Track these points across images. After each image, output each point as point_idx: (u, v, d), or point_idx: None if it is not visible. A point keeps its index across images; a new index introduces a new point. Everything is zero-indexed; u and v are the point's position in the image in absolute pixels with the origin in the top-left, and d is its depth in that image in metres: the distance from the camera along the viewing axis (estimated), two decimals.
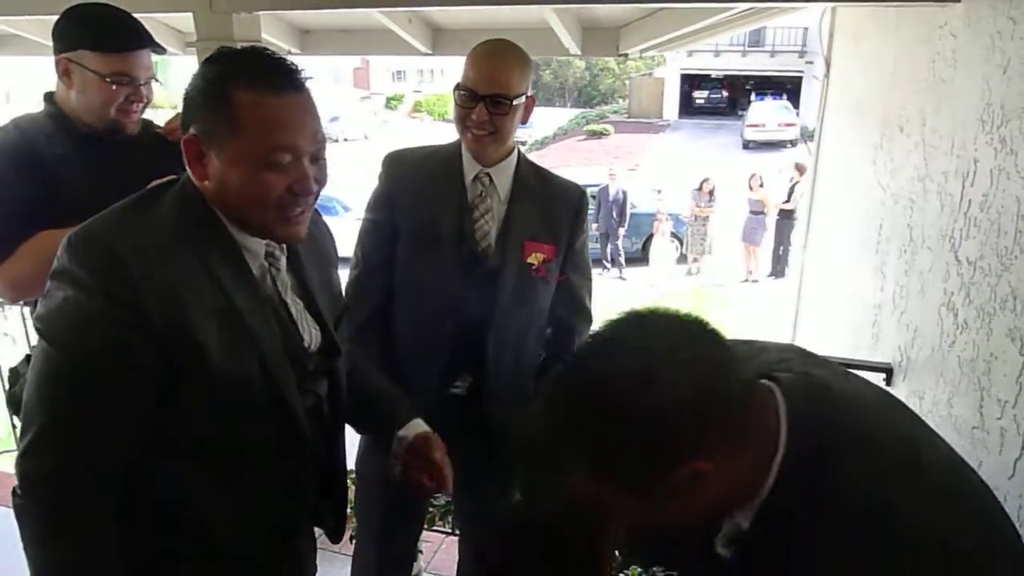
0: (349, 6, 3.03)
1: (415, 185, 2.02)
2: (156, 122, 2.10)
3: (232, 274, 1.27)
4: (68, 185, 1.81)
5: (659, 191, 15.22)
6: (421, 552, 2.89)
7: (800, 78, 28.46)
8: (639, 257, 13.55)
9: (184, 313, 1.19)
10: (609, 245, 13.25)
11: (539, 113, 22.69)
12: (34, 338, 1.23)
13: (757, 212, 12.60)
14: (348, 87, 37.47)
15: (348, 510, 1.74)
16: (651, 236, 13.29)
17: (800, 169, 11.92)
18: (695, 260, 13.26)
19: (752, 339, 1.22)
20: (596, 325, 2.28)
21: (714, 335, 0.97)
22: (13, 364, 2.08)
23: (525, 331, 2.09)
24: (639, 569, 3.00)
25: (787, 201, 12.26)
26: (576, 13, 3.48)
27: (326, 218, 1.62)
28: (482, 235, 2.01)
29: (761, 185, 12.73)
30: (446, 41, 3.90)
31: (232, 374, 1.25)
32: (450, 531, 3.25)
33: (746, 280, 12.69)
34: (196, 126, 1.23)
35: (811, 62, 25.46)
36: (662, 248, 13.04)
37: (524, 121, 1.98)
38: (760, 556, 0.99)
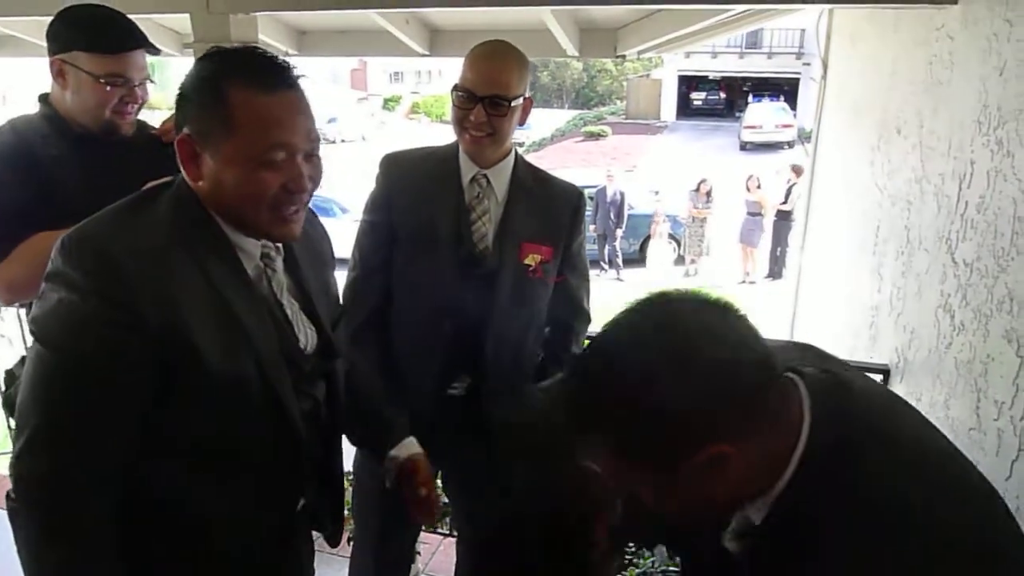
0: (346, 7, 3.03)
1: (413, 187, 2.02)
2: (152, 123, 2.09)
3: (227, 275, 1.27)
4: (63, 186, 1.81)
5: (656, 192, 15.22)
6: (419, 554, 2.88)
7: (797, 80, 28.45)
8: (636, 258, 13.55)
9: (179, 314, 1.19)
10: (607, 246, 13.25)
11: (537, 114, 22.64)
12: (30, 340, 1.23)
13: (754, 213, 12.61)
14: (346, 88, 37.48)
15: (346, 512, 1.74)
16: (648, 237, 13.30)
17: (797, 171, 11.93)
18: (692, 261, 13.26)
19: (770, 337, 1.23)
20: (595, 325, 2.29)
21: (740, 319, 0.96)
22: (9, 366, 2.08)
23: (523, 332, 2.09)
24: (639, 570, 3.00)
25: (784, 202, 12.26)
26: (574, 14, 3.48)
27: (323, 219, 1.62)
28: (479, 236, 2.01)
29: (758, 186, 12.74)
30: (443, 42, 3.90)
31: (227, 375, 1.24)
32: (448, 533, 3.25)
33: (743, 281, 12.68)
34: (190, 126, 1.23)
35: (808, 64, 25.43)
36: (659, 249, 13.05)
37: (522, 122, 1.98)
38: (771, 551, 0.99)
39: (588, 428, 0.98)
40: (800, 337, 4.49)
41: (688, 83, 32.42)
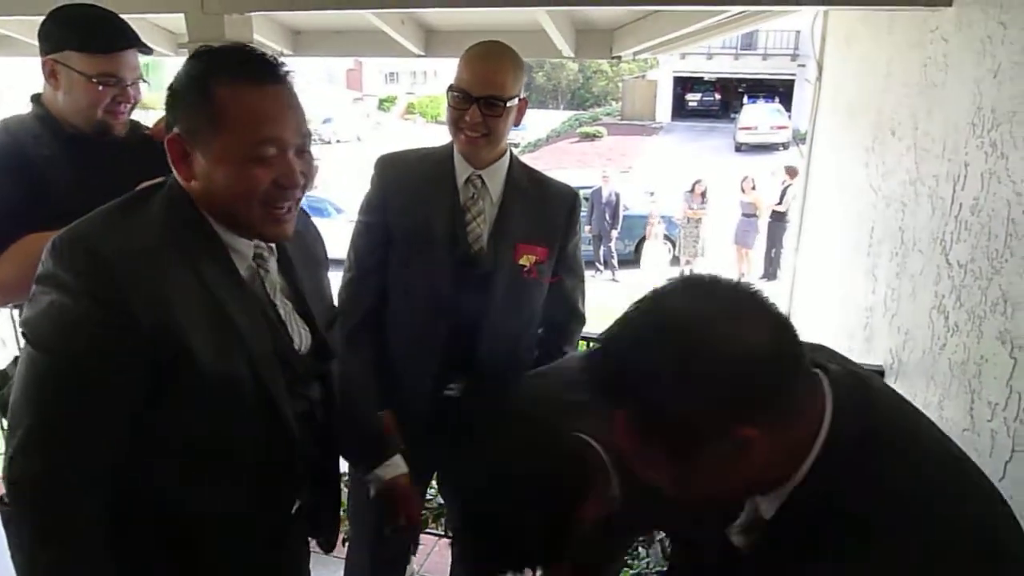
0: (341, 7, 3.02)
1: (408, 188, 2.02)
2: (146, 123, 2.09)
3: (220, 275, 1.26)
4: (56, 187, 1.80)
5: (652, 193, 15.24)
6: (414, 554, 2.88)
7: (792, 81, 28.54)
8: (632, 259, 13.56)
9: (171, 315, 1.18)
10: (602, 247, 13.26)
11: (532, 115, 22.73)
12: (23, 341, 1.23)
13: (749, 215, 12.63)
14: (341, 88, 37.43)
15: (341, 513, 1.74)
16: (644, 238, 13.32)
17: (791, 172, 11.96)
18: (688, 262, 13.28)
19: None
20: (590, 326, 2.29)
21: (775, 307, 0.97)
22: (2, 366, 2.07)
23: (518, 333, 2.09)
24: (633, 572, 3.01)
25: (779, 203, 12.28)
26: (569, 15, 3.48)
27: (318, 220, 1.62)
28: (474, 237, 2.00)
29: (753, 188, 12.77)
30: (439, 43, 3.90)
31: (220, 375, 1.24)
32: (443, 533, 3.25)
33: None
34: (179, 125, 1.22)
35: (803, 65, 25.52)
36: (655, 250, 13.07)
37: (517, 123, 1.98)
38: (784, 545, 0.99)
39: (617, 403, 0.97)
40: None
41: (683, 84, 32.48)
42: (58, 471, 1.16)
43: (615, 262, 13.25)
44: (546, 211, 2.06)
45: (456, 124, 1.91)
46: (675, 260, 13.42)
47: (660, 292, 1.00)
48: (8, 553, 1.20)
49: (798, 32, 26.54)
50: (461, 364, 2.05)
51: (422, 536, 3.14)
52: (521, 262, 2.00)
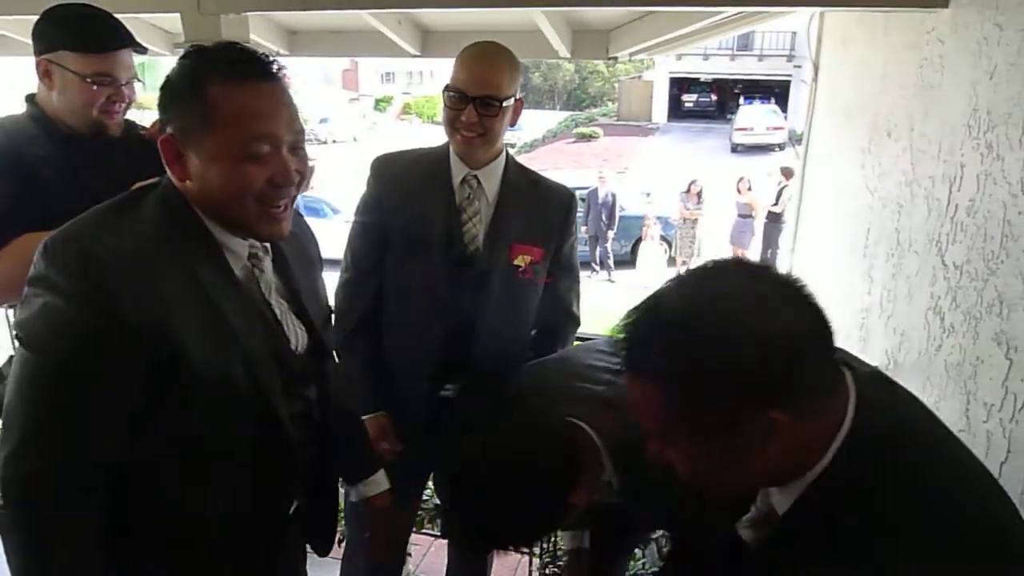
0: (338, 7, 3.01)
1: (404, 189, 2.02)
2: (143, 123, 2.08)
3: (214, 275, 1.26)
4: (51, 187, 1.80)
5: (648, 194, 15.26)
6: (410, 555, 2.87)
7: (788, 82, 28.59)
8: (628, 260, 13.57)
9: (164, 315, 1.18)
10: (598, 248, 13.27)
11: (528, 116, 22.73)
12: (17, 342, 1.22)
13: (745, 215, 12.64)
14: (337, 89, 37.38)
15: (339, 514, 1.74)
16: (640, 239, 13.32)
17: (787, 174, 11.96)
18: (684, 263, 13.27)
19: None
20: (585, 327, 2.28)
21: (810, 293, 0.96)
22: None
23: (513, 333, 2.09)
24: (629, 572, 3.00)
25: (775, 204, 12.29)
26: (566, 16, 3.47)
27: (314, 220, 1.61)
28: (470, 238, 2.00)
29: (749, 188, 12.78)
30: (435, 43, 3.89)
31: (215, 375, 1.24)
32: (439, 534, 3.24)
33: None
34: (172, 125, 1.22)
35: (799, 66, 25.60)
36: (651, 251, 13.07)
37: (513, 123, 1.98)
38: (797, 541, 0.98)
39: (649, 370, 0.96)
40: None
41: (679, 85, 32.51)
42: (52, 473, 1.16)
43: (611, 263, 13.26)
44: (542, 212, 2.06)
45: (452, 124, 1.91)
46: (671, 261, 13.43)
47: (707, 267, 1.00)
48: (4, 557, 1.19)
49: (794, 33, 26.58)
50: (457, 364, 2.05)
51: (419, 536, 3.15)
52: (516, 262, 2.00)
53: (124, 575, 1.26)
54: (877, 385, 1.00)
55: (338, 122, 30.57)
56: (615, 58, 3.82)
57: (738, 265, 0.99)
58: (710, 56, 30.66)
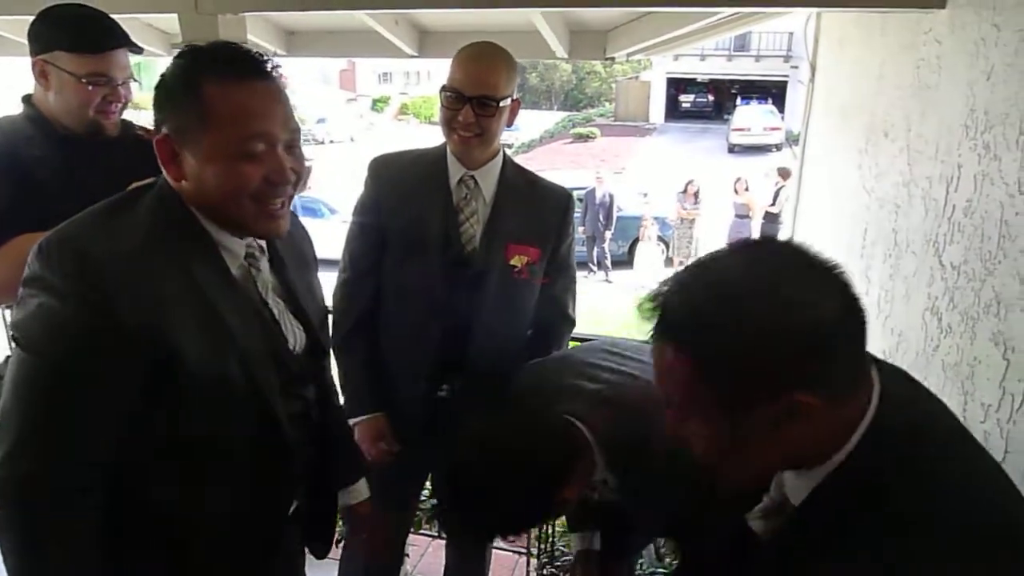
0: (335, 8, 3.01)
1: (401, 189, 2.02)
2: (140, 123, 2.08)
3: (210, 274, 1.26)
4: (47, 187, 1.80)
5: (645, 194, 15.26)
6: (408, 556, 2.87)
7: (785, 83, 28.58)
8: (625, 260, 13.57)
9: (161, 315, 1.18)
10: (595, 248, 13.26)
11: (525, 116, 22.74)
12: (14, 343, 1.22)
13: (742, 216, 12.65)
14: (334, 89, 37.36)
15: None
16: (637, 239, 13.32)
17: (783, 174, 11.98)
18: (681, 263, 13.27)
19: None
20: (581, 328, 2.28)
21: (848, 278, 0.95)
22: None
23: (509, 333, 2.09)
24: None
25: (772, 205, 12.31)
26: (563, 16, 3.48)
27: (311, 220, 1.61)
28: (467, 238, 2.00)
29: (746, 189, 12.78)
30: (432, 43, 3.89)
31: (211, 375, 1.24)
32: (437, 535, 3.24)
33: None
34: (168, 125, 1.22)
35: (796, 67, 25.58)
36: (648, 251, 13.06)
37: (509, 124, 1.98)
38: (811, 533, 0.97)
39: (682, 337, 0.93)
40: None
41: (677, 85, 32.53)
42: (48, 473, 1.16)
43: (608, 263, 13.26)
44: (539, 212, 2.06)
45: (449, 124, 1.91)
46: (668, 261, 13.43)
47: (752, 241, 1.00)
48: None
49: (791, 34, 26.60)
50: (453, 364, 2.05)
51: (416, 537, 3.15)
52: (512, 262, 2.00)
53: (122, 575, 1.26)
54: (900, 381, 1.00)
55: (335, 122, 30.54)
56: (612, 58, 3.82)
57: (784, 243, 0.98)
58: (707, 57, 30.66)
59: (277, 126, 1.23)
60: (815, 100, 4.05)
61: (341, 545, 2.33)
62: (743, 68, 30.81)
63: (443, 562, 2.60)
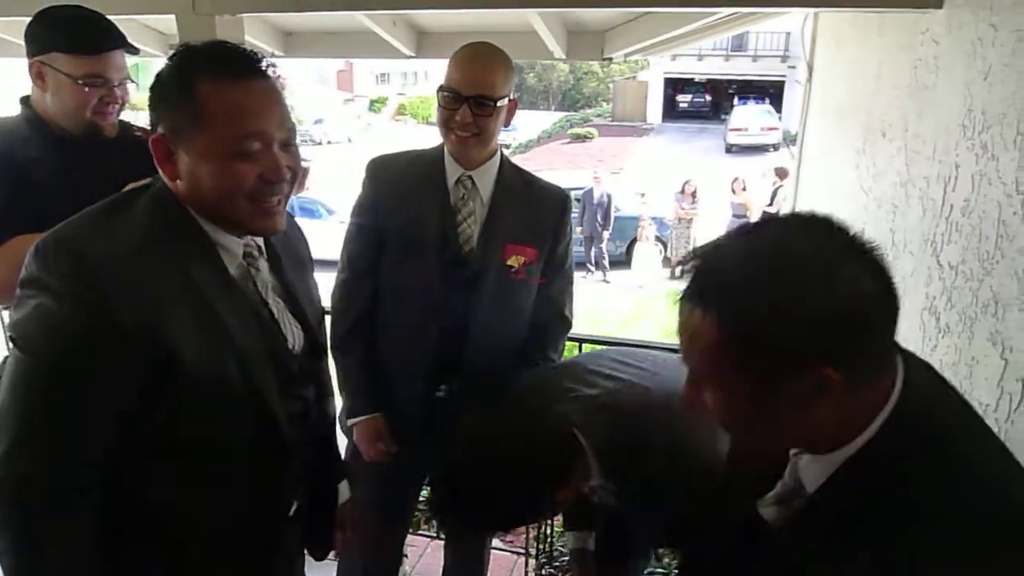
0: (333, 8, 3.01)
1: (399, 190, 2.02)
2: (138, 124, 2.07)
3: (208, 274, 1.26)
4: (44, 189, 1.80)
5: (643, 195, 15.27)
6: (406, 556, 2.87)
7: (782, 83, 28.60)
8: (623, 260, 13.58)
9: (158, 316, 1.18)
10: (593, 248, 13.27)
11: (523, 116, 22.73)
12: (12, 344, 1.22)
13: (740, 216, 12.64)
14: (332, 90, 37.33)
15: None
16: (635, 240, 13.33)
17: (781, 174, 11.99)
18: (679, 263, 13.30)
19: None
20: (577, 328, 2.27)
21: (885, 260, 0.95)
22: None
23: (507, 333, 2.08)
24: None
25: (770, 205, 12.32)
26: (561, 17, 3.47)
27: (309, 221, 1.61)
28: (465, 238, 2.01)
29: (744, 189, 12.81)
30: (430, 44, 3.89)
31: (209, 375, 1.24)
32: (435, 535, 3.24)
33: None
34: (163, 125, 1.22)
35: (793, 67, 25.60)
36: (646, 251, 13.08)
37: (507, 124, 1.98)
38: (825, 520, 0.96)
39: (715, 302, 0.91)
40: None
41: (674, 85, 32.55)
42: (45, 473, 1.16)
43: (606, 263, 13.27)
44: (536, 212, 2.06)
45: (446, 124, 1.92)
46: (666, 261, 13.44)
47: (796, 214, 0.99)
48: None
49: (788, 34, 26.62)
50: (451, 364, 2.05)
51: (415, 538, 3.15)
52: (509, 263, 2.00)
53: (121, 574, 1.26)
54: (923, 370, 0.99)
55: (333, 123, 30.53)
56: (610, 59, 3.82)
57: (826, 218, 0.97)
58: (704, 57, 30.67)
59: (272, 124, 1.23)
60: (812, 100, 4.06)
61: None
62: (740, 68, 30.84)
63: (442, 563, 2.60)
